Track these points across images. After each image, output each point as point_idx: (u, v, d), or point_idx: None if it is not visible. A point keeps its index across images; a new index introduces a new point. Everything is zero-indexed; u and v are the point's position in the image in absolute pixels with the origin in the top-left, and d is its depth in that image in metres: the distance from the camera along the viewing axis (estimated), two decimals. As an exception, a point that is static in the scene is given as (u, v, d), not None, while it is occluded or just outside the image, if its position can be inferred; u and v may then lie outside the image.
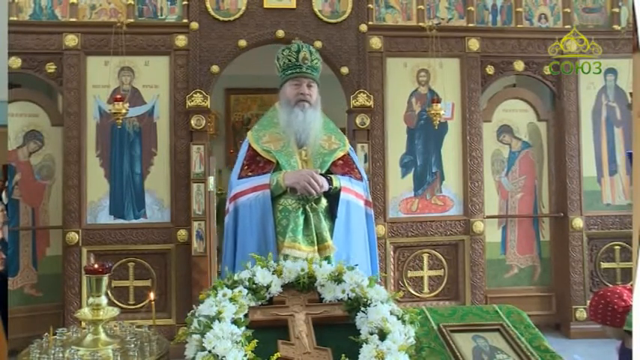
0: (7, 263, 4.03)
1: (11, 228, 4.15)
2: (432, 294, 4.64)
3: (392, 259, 4.56)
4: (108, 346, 2.12)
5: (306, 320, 2.00)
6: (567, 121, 4.76)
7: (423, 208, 4.65)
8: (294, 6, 4.49)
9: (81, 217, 4.30)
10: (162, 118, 4.43)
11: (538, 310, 4.65)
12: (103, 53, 4.31)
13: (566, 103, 4.77)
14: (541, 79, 4.81)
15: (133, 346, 2.12)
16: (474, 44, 4.66)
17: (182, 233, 4.33)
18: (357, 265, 2.31)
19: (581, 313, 4.63)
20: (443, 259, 4.66)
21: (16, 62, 4.29)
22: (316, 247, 2.65)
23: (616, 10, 4.80)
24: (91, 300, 2.20)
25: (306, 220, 2.68)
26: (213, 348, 1.77)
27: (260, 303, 2.11)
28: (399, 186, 4.63)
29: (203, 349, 1.79)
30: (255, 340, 1.83)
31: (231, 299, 1.99)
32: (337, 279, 2.17)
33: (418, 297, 4.61)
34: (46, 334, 2.20)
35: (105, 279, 2.21)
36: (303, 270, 2.21)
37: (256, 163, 2.83)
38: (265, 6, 4.47)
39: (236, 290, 2.05)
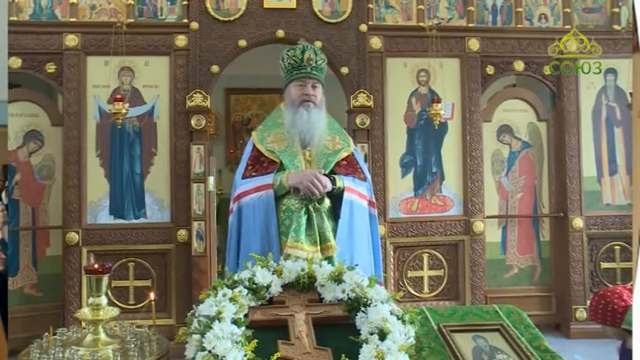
0: (7, 263, 4.03)
1: (11, 228, 4.15)
2: (432, 294, 4.64)
3: (392, 259, 4.56)
4: (108, 346, 2.12)
5: (306, 320, 2.00)
6: (567, 121, 4.76)
7: (423, 208, 4.65)
8: (294, 6, 4.49)
9: (81, 217, 4.30)
10: (162, 118, 4.43)
11: (538, 310, 4.66)
12: (103, 53, 4.32)
13: (566, 103, 4.77)
14: (541, 79, 4.81)
15: (133, 346, 2.12)
16: (474, 44, 4.66)
17: (182, 233, 4.34)
18: (357, 265, 2.31)
19: (581, 313, 4.63)
20: (443, 259, 4.66)
21: (16, 62, 4.29)
22: (319, 247, 2.65)
23: (616, 10, 4.81)
24: (91, 300, 2.20)
25: (309, 220, 2.68)
26: (213, 348, 1.77)
27: (260, 303, 2.11)
28: (399, 186, 4.63)
29: (203, 349, 1.79)
30: (255, 340, 1.83)
31: (231, 299, 1.99)
32: (337, 279, 2.17)
33: (418, 297, 4.61)
34: (46, 334, 2.19)
35: (105, 279, 2.21)
36: (303, 270, 2.21)
37: (260, 164, 2.83)
38: (265, 6, 4.48)
39: (236, 290, 2.05)
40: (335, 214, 2.77)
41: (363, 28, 4.55)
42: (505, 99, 4.88)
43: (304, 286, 2.19)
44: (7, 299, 3.12)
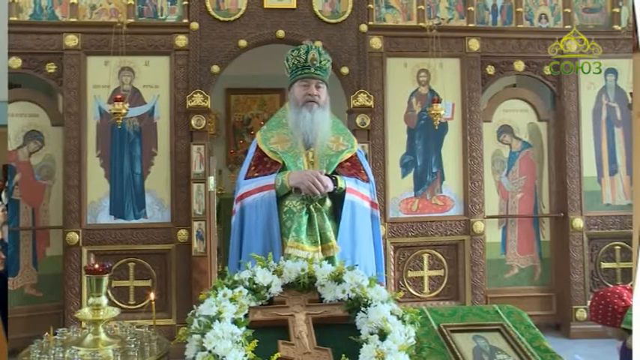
0: (7, 263, 4.03)
1: (11, 228, 4.15)
2: (433, 294, 4.64)
3: (392, 259, 4.56)
4: (108, 346, 2.13)
5: (306, 320, 2.00)
6: (567, 121, 4.76)
7: (423, 208, 4.65)
8: (295, 6, 4.49)
9: (81, 217, 4.30)
10: (162, 118, 4.43)
11: (538, 310, 4.65)
12: (103, 53, 4.31)
13: (567, 103, 4.77)
14: (541, 79, 4.81)
15: (133, 346, 2.12)
16: (474, 44, 4.66)
17: (182, 233, 4.33)
18: (357, 265, 2.31)
19: (582, 313, 4.62)
20: (443, 259, 4.66)
21: (16, 62, 4.29)
22: (320, 247, 2.66)
23: (616, 10, 4.80)
24: (91, 300, 2.20)
25: (310, 220, 2.69)
26: (214, 348, 1.78)
27: (260, 303, 2.11)
28: (399, 186, 4.63)
29: (203, 349, 1.79)
30: (256, 340, 1.83)
31: (232, 299, 1.99)
32: (337, 279, 2.17)
33: (418, 297, 4.61)
34: (46, 334, 2.20)
35: (105, 279, 2.21)
36: (303, 270, 2.21)
37: (263, 164, 2.84)
38: (265, 6, 4.47)
39: (236, 290, 2.05)
40: (337, 214, 2.78)
41: (364, 28, 4.55)
42: (505, 99, 4.88)
43: (304, 286, 2.19)
44: (7, 299, 3.12)
